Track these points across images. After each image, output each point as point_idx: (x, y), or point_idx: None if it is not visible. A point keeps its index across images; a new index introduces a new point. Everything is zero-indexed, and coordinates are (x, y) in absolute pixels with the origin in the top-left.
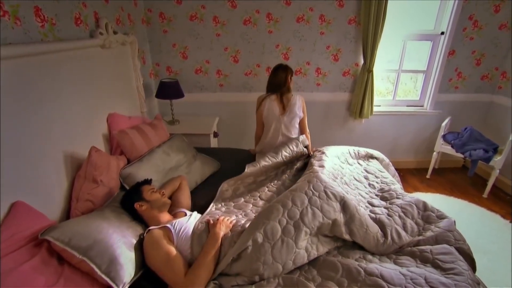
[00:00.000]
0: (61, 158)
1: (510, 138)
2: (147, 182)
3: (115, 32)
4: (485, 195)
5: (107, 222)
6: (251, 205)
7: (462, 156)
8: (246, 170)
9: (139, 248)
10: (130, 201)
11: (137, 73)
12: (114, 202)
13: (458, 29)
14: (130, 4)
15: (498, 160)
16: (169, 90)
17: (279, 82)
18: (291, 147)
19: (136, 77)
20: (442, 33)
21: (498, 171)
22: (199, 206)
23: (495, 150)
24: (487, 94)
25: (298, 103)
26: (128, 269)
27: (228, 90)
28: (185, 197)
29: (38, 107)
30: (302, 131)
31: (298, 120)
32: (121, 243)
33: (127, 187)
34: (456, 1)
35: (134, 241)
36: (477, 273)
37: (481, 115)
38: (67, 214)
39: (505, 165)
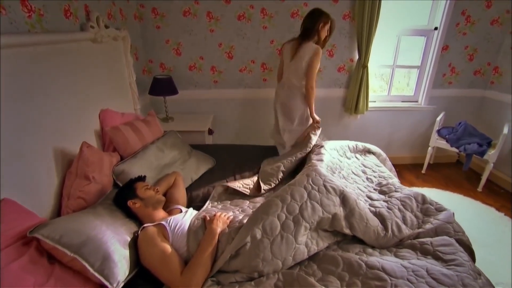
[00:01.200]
0: (51, 154)
1: (503, 132)
2: (141, 179)
3: (106, 27)
4: (479, 188)
5: (100, 219)
6: (248, 202)
7: (457, 150)
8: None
9: (134, 246)
10: (123, 199)
11: (129, 69)
12: (107, 200)
13: (451, 25)
14: None
15: (492, 154)
16: (162, 87)
17: (304, 27)
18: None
19: (129, 73)
20: (436, 28)
21: (492, 165)
22: (194, 203)
23: (489, 144)
24: (480, 89)
25: (308, 54)
26: (122, 267)
27: (222, 86)
28: (181, 194)
29: (27, 102)
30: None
31: (303, 71)
32: (115, 240)
33: (120, 184)
34: None
35: (129, 239)
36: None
37: (474, 109)
38: (57, 212)
39: (499, 159)
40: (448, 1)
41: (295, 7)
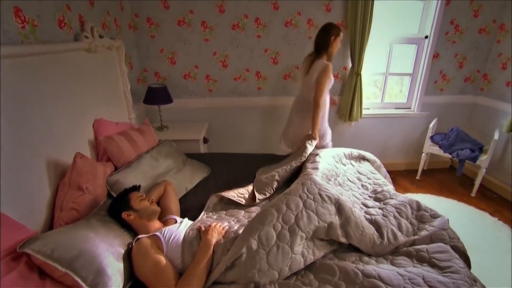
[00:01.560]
0: (43, 164)
1: (494, 138)
2: (135, 188)
3: (101, 36)
4: (473, 194)
5: (94, 231)
6: (243, 211)
7: (450, 156)
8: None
9: (128, 258)
10: (117, 211)
11: (124, 79)
12: (101, 211)
13: (441, 33)
14: (116, 9)
15: (484, 160)
16: (157, 96)
17: (317, 43)
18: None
19: (123, 83)
20: (426, 36)
21: (484, 170)
22: (189, 212)
23: (481, 150)
24: (470, 95)
25: (317, 70)
26: (116, 280)
27: (217, 95)
28: (173, 203)
29: (20, 112)
30: None
31: (312, 87)
32: (109, 253)
33: (114, 195)
34: (438, 6)
35: (122, 251)
36: (471, 269)
37: (466, 116)
38: (50, 224)
39: (491, 164)
40: (437, 11)
41: (288, 16)
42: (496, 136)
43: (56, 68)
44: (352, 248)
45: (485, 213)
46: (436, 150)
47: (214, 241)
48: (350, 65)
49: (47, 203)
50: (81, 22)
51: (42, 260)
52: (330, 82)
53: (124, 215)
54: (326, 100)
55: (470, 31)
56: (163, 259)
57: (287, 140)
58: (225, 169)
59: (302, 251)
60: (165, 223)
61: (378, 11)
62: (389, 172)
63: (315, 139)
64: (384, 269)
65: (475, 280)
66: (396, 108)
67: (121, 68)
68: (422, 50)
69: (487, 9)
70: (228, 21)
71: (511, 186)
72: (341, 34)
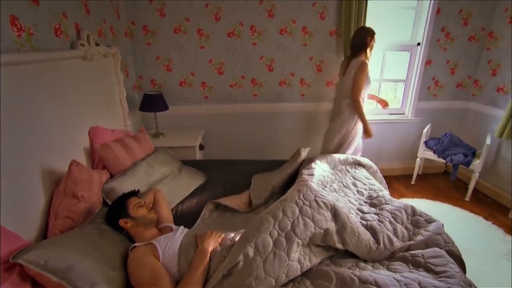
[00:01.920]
0: (38, 173)
1: (487, 143)
2: (134, 193)
3: (97, 44)
4: (467, 198)
5: (89, 240)
6: (239, 218)
7: (444, 161)
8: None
9: (124, 267)
10: (114, 217)
11: (120, 86)
12: (97, 218)
13: (432, 40)
14: (112, 16)
15: (477, 164)
16: (153, 103)
17: (353, 44)
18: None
19: (119, 90)
20: (419, 44)
21: (478, 174)
22: (186, 220)
23: (474, 154)
24: (462, 101)
25: (354, 69)
26: None
27: (213, 102)
28: (164, 210)
29: (15, 120)
30: None
31: (348, 88)
32: (104, 264)
33: (110, 203)
34: (429, 15)
35: (118, 260)
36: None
37: (458, 121)
38: (44, 233)
39: (484, 169)
40: (429, 19)
41: (283, 24)
42: (488, 141)
43: (52, 76)
44: (348, 254)
45: (479, 217)
46: (430, 155)
47: (210, 248)
48: None
49: (41, 211)
50: (77, 30)
51: (35, 271)
52: (367, 81)
53: (121, 222)
54: (363, 99)
55: (461, 38)
56: (159, 268)
57: (329, 149)
58: (221, 176)
59: (299, 258)
60: (161, 230)
61: (371, 19)
62: (385, 177)
63: (370, 136)
64: (380, 274)
65: (470, 284)
66: (390, 114)
67: (117, 76)
68: (415, 57)
69: (475, 18)
70: (224, 28)
71: (510, 191)
72: (375, 36)
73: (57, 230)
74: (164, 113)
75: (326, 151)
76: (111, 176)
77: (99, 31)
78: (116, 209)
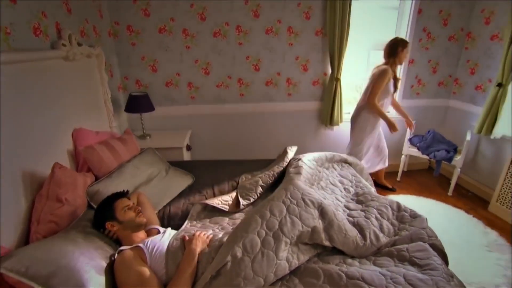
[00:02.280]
0: (19, 177)
1: (467, 139)
2: (123, 194)
3: (79, 44)
4: (450, 193)
5: (73, 244)
6: (227, 219)
7: (427, 157)
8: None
9: (110, 271)
10: (101, 220)
11: (104, 87)
12: (81, 222)
13: (415, 40)
14: (95, 16)
15: (458, 160)
16: (138, 104)
17: (384, 52)
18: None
19: (104, 91)
20: None
21: (459, 170)
22: (173, 221)
23: (455, 150)
24: (444, 99)
25: (377, 72)
26: None
27: (200, 102)
28: (149, 213)
29: None
30: None
31: (367, 91)
32: (90, 266)
33: (95, 206)
34: (411, 15)
35: (104, 264)
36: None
37: (440, 118)
38: (26, 239)
39: (464, 164)
40: (411, 19)
41: (269, 24)
42: (468, 137)
43: (32, 77)
44: (336, 251)
45: (461, 211)
46: (414, 152)
47: (198, 250)
48: (330, 71)
49: (22, 217)
50: (58, 30)
51: (16, 279)
52: (387, 89)
53: (108, 225)
54: (383, 105)
55: (441, 38)
56: (146, 271)
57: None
58: (209, 176)
59: (287, 257)
60: (147, 233)
61: (356, 19)
62: (371, 174)
63: (395, 130)
64: (367, 270)
65: (451, 276)
66: None
67: (101, 76)
68: None
69: (454, 18)
70: (209, 28)
71: (490, 185)
72: (409, 46)
73: (39, 235)
74: (150, 114)
75: (354, 150)
76: (96, 178)
77: (81, 31)
78: (103, 212)
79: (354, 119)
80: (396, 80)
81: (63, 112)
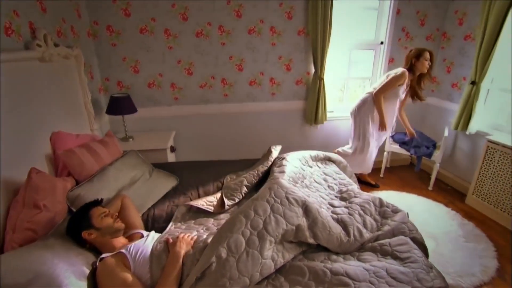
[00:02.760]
0: None
1: (445, 135)
2: (98, 203)
3: (56, 45)
4: (430, 187)
5: (51, 251)
6: (212, 219)
7: (408, 154)
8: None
9: (93, 278)
10: (76, 229)
11: (84, 89)
12: (61, 228)
13: (394, 39)
14: (73, 16)
15: (437, 155)
16: (120, 106)
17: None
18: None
19: (84, 93)
20: (382, 42)
21: (438, 165)
22: (158, 224)
23: (434, 146)
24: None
25: (394, 72)
26: None
27: (183, 103)
28: (134, 216)
29: None
30: None
31: (378, 84)
32: (69, 273)
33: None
34: (390, 15)
35: (86, 270)
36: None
37: (420, 115)
38: (0, 249)
39: (443, 159)
40: (390, 19)
41: (251, 24)
42: (446, 133)
43: (4, 79)
44: (321, 248)
45: (440, 205)
46: (396, 148)
47: (183, 252)
48: (313, 70)
49: None
50: (32, 30)
51: None
52: (396, 90)
53: (84, 234)
54: (392, 107)
55: (419, 38)
56: (129, 277)
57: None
58: (194, 178)
59: (272, 255)
60: (130, 238)
61: (337, 19)
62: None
63: (385, 129)
64: (351, 265)
65: (431, 267)
66: None
67: (80, 78)
68: (379, 55)
69: (431, 19)
70: (192, 28)
71: (467, 178)
72: (425, 54)
73: (15, 244)
74: (133, 116)
75: (358, 144)
76: (77, 183)
77: (58, 31)
78: (78, 221)
79: (358, 110)
80: (412, 89)
81: (40, 115)
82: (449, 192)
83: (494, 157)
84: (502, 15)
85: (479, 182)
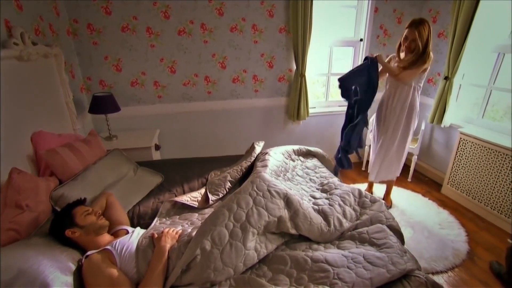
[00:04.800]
0: None
1: (421, 128)
2: (80, 202)
3: (34, 43)
4: (409, 179)
5: (35, 249)
6: (196, 214)
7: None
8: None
9: (79, 274)
10: (59, 228)
11: (65, 88)
12: (44, 228)
13: (373, 37)
14: (51, 13)
15: (415, 148)
16: (103, 104)
17: None
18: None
19: (65, 92)
20: (361, 40)
21: (416, 157)
22: (143, 220)
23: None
24: None
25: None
26: None
27: (167, 101)
28: (119, 213)
29: None
30: None
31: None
32: (54, 268)
33: (59, 210)
34: (368, 13)
35: (72, 266)
36: (406, 243)
37: None
38: None
39: (421, 151)
40: (368, 17)
41: (233, 22)
42: (423, 126)
43: None
44: (302, 238)
45: (418, 195)
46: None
47: (168, 246)
48: (294, 67)
49: None
50: (8, 28)
51: None
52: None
53: (67, 232)
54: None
55: (397, 35)
56: (115, 273)
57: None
58: (179, 175)
59: (255, 246)
60: (115, 235)
61: (317, 17)
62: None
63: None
64: (330, 253)
65: (405, 251)
66: (339, 106)
67: (61, 77)
68: (359, 52)
69: (407, 17)
70: (174, 26)
71: (442, 169)
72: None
73: None
74: (116, 114)
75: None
76: (61, 182)
77: (35, 29)
78: (61, 220)
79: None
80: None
81: (20, 115)
82: (426, 183)
83: (466, 148)
84: (471, 14)
85: (453, 172)
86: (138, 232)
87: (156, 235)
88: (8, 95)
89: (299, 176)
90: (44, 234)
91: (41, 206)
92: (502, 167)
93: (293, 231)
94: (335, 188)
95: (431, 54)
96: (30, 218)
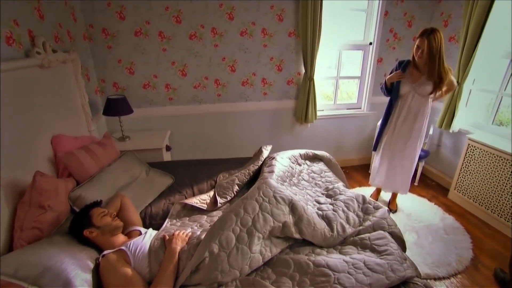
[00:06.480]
0: (1, 186)
1: (429, 133)
2: (97, 204)
3: (54, 51)
4: (416, 183)
5: (57, 247)
6: (205, 216)
7: None
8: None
9: (96, 271)
10: (78, 228)
11: (81, 91)
12: (65, 226)
13: (382, 40)
14: (69, 20)
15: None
16: (116, 107)
17: None
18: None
19: (81, 95)
20: (370, 43)
21: (424, 161)
22: (154, 221)
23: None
24: None
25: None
26: None
27: (178, 103)
28: (133, 215)
29: None
30: None
31: None
32: (75, 266)
33: (77, 210)
34: (378, 17)
35: (90, 264)
36: (409, 248)
37: None
38: (9, 246)
39: (429, 156)
40: (378, 21)
41: (243, 26)
42: (431, 131)
43: (7, 87)
44: (306, 242)
45: (424, 199)
46: None
47: (178, 248)
48: (303, 70)
49: (5, 225)
50: (32, 38)
51: (6, 281)
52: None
53: (86, 232)
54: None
55: (406, 38)
56: (130, 272)
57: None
58: (188, 176)
59: (260, 250)
60: (129, 235)
61: (327, 20)
62: (344, 168)
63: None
64: (332, 258)
65: (405, 259)
66: (348, 109)
67: (77, 81)
68: (368, 55)
69: (417, 20)
70: (185, 31)
71: (450, 174)
72: (417, 39)
73: (24, 242)
74: (129, 116)
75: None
76: (78, 183)
77: (55, 36)
78: (79, 221)
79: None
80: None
81: (41, 119)
82: (433, 188)
83: (474, 155)
84: (483, 19)
85: (460, 178)
86: (151, 233)
87: (167, 237)
88: (31, 101)
89: (305, 180)
90: (64, 232)
91: (61, 206)
92: (510, 174)
93: (297, 236)
94: (340, 194)
95: (447, 65)
96: (52, 217)
